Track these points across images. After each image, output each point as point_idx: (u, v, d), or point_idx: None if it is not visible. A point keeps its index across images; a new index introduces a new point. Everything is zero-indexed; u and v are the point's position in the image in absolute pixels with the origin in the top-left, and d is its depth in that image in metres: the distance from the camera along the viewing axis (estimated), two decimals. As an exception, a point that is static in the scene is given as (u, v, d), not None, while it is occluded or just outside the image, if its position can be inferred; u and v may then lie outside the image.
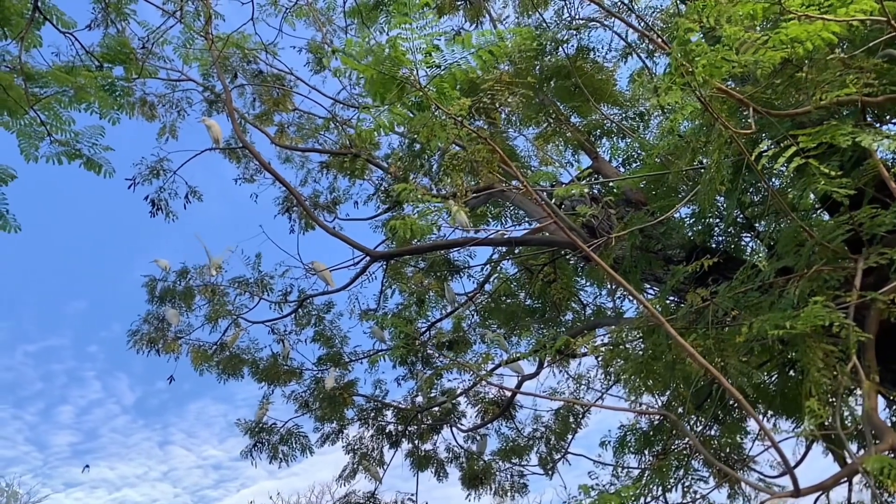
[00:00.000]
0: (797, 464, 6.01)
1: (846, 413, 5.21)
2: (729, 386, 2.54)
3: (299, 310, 8.48)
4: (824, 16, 2.50)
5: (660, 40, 4.41)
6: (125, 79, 5.94)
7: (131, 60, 5.73)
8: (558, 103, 7.36)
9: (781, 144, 2.84)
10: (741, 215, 5.02)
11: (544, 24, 7.23)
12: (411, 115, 2.96)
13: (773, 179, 4.52)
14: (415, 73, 2.68)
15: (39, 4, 5.29)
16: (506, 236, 6.78)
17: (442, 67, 2.75)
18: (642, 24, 5.51)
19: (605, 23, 6.99)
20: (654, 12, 6.76)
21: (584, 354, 6.71)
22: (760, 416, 6.32)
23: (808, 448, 6.20)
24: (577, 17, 7.19)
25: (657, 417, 6.57)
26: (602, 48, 7.39)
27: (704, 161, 4.52)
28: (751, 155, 3.15)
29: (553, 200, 5.66)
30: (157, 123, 8.88)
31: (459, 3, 9.07)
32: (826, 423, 3.60)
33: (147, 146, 8.68)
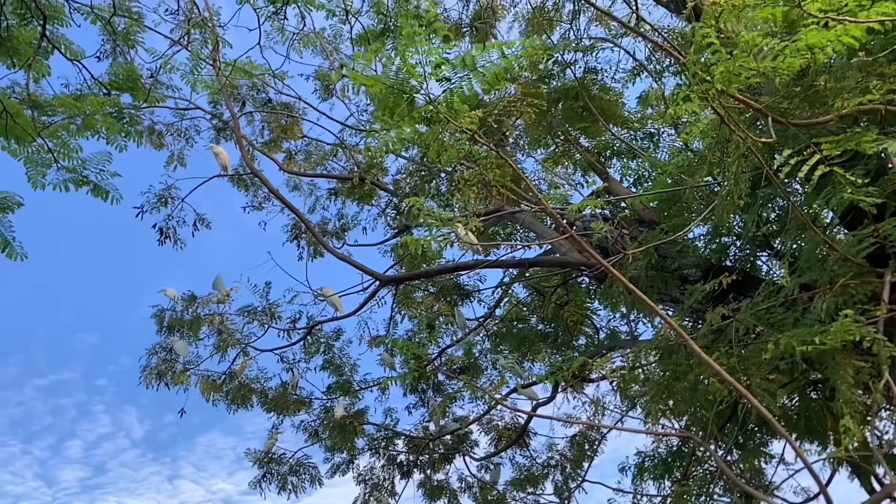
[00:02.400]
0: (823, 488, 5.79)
1: (875, 434, 5.03)
2: (758, 404, 2.42)
3: (308, 337, 8.37)
4: (846, 18, 2.42)
5: (673, 54, 4.35)
6: (133, 107, 5.94)
7: (139, 88, 5.73)
8: (566, 125, 7.32)
9: (804, 153, 2.75)
10: (758, 232, 4.91)
11: (551, 47, 7.22)
12: (421, 129, 2.90)
13: (790, 197, 4.43)
14: (425, 85, 2.63)
15: (47, 33, 5.32)
16: (516, 258, 6.68)
17: (452, 81, 2.70)
18: (656, 37, 5.46)
19: (614, 41, 6.97)
20: (662, 31, 6.74)
21: (602, 378, 6.56)
22: (783, 440, 6.13)
23: (834, 472, 6.01)
24: (584, 37, 7.18)
25: (676, 443, 6.39)
26: (610, 68, 7.37)
27: (720, 177, 4.44)
28: (769, 167, 3.06)
29: (564, 221, 5.57)
30: (166, 152, 8.91)
31: (465, 29, 9.12)
32: (854, 445, 3.45)
33: (156, 175, 8.68)
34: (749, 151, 3.09)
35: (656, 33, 5.35)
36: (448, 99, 2.74)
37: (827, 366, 3.14)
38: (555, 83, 7.37)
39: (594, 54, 7.19)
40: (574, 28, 7.70)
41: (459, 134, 2.86)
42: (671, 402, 3.97)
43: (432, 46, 2.66)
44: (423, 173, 7.51)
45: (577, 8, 7.75)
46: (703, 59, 2.57)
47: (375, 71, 3.04)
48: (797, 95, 3.55)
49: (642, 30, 5.80)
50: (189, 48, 6.80)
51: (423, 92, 2.66)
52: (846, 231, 3.96)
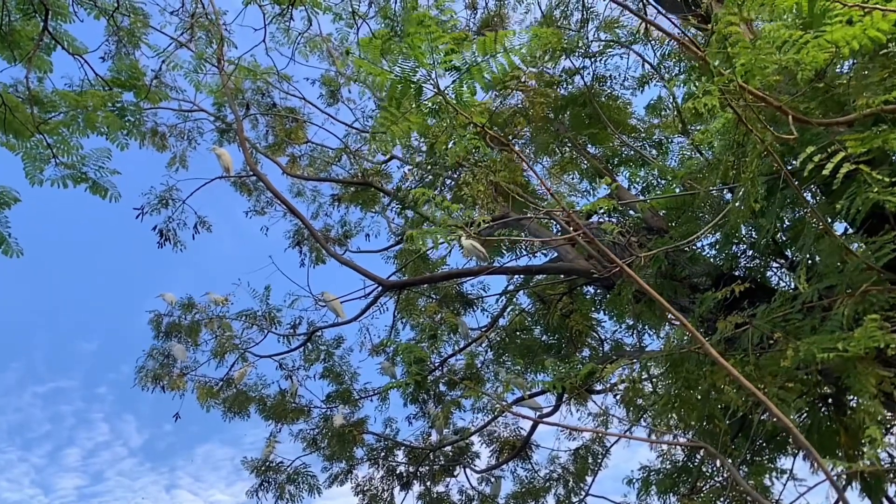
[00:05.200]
0: (834, 508, 5.63)
1: (888, 451, 4.88)
2: (780, 413, 2.29)
3: (308, 344, 8.24)
4: (876, 6, 2.32)
5: (690, 48, 4.24)
6: (135, 105, 5.85)
7: (141, 86, 5.64)
8: (573, 132, 7.23)
9: (829, 150, 2.64)
10: (772, 239, 4.79)
11: (563, 42, 7.13)
12: (427, 123, 2.79)
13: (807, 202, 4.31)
14: (433, 74, 2.52)
15: (50, 29, 5.24)
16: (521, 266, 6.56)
17: (461, 70, 2.59)
18: (669, 36, 5.38)
19: (624, 44, 6.89)
20: (677, 26, 6.64)
21: (609, 389, 6.42)
22: (791, 458, 5.97)
23: (844, 489, 5.85)
24: (593, 41, 7.10)
25: (683, 458, 6.23)
26: (618, 76, 7.29)
27: (732, 182, 4.32)
28: (786, 169, 2.95)
29: (572, 226, 5.45)
30: (168, 154, 8.82)
31: (473, 37, 9.04)
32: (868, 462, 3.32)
33: (157, 178, 8.61)
34: (766, 152, 2.98)
35: (672, 24, 5.25)
36: (457, 89, 2.64)
37: (848, 376, 3.01)
38: (562, 90, 7.30)
39: (603, 60, 7.12)
40: (582, 35, 7.63)
41: (468, 127, 2.75)
42: (682, 413, 3.83)
43: (441, 35, 2.56)
44: (428, 172, 7.40)
45: (585, 17, 7.70)
46: (724, 52, 2.46)
47: (382, 66, 2.93)
48: (815, 97, 3.45)
49: (655, 30, 5.71)
50: (193, 47, 6.72)
51: (431, 81, 2.56)
52: (865, 235, 3.84)
